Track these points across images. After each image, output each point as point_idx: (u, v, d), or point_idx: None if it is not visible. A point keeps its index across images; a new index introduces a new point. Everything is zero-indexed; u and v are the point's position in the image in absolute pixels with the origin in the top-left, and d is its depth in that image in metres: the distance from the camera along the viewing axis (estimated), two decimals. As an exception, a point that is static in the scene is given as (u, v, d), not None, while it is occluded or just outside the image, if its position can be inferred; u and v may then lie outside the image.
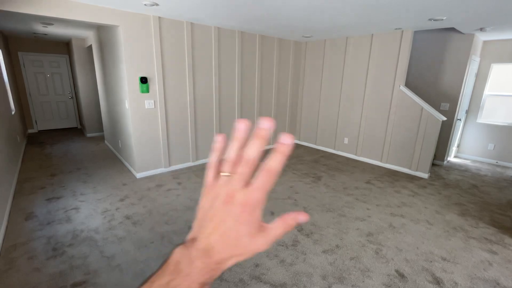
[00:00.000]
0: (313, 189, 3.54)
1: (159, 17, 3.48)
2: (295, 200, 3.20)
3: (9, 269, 1.97)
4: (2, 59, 4.66)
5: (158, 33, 3.51)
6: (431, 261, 2.18)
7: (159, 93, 3.71)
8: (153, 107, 3.71)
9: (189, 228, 2.08)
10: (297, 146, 5.71)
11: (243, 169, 0.29)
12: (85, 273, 1.95)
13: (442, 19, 3.19)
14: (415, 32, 4.50)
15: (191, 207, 2.97)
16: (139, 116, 3.62)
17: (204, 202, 0.31)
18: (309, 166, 4.43)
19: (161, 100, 3.75)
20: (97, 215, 2.75)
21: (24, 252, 2.16)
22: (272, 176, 0.28)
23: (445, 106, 4.53)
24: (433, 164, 4.69)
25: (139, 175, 3.78)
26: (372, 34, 4.32)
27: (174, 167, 4.12)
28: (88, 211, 2.81)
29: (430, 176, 4.09)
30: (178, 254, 0.28)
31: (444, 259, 2.22)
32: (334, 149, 5.25)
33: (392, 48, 4.12)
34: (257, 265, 2.08)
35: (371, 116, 4.57)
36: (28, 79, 6.19)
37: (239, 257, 0.29)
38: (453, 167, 4.61)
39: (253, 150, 0.29)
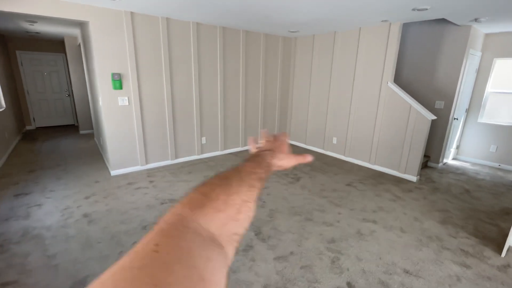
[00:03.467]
0: (288, 190, 3.37)
1: (132, 12, 3.43)
2: (264, 202, 3.05)
3: None
4: (-6, 57, 4.78)
5: (131, 29, 3.45)
6: (391, 274, 1.98)
7: (134, 90, 3.66)
8: (127, 104, 3.66)
9: (144, 228, 2.00)
10: (286, 146, 5.53)
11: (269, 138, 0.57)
12: (19, 273, 1.91)
13: (426, 9, 2.93)
14: (407, 25, 4.21)
15: (154, 206, 2.89)
16: (113, 113, 3.59)
17: (264, 143, 0.54)
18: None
19: (136, 97, 3.70)
20: (56, 212, 2.73)
21: (-31, 248, 2.15)
22: (285, 137, 0.57)
23: (440, 104, 4.22)
24: (426, 167, 4.39)
25: (113, 172, 3.76)
26: (360, 28, 4.08)
27: (151, 165, 4.07)
28: (50, 208, 2.80)
29: (419, 179, 3.81)
30: (270, 153, 0.49)
31: (406, 272, 2.01)
32: (323, 149, 5.04)
33: (380, 42, 3.87)
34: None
35: (359, 114, 4.33)
36: (26, 77, 6.37)
37: (285, 162, 0.50)
38: (448, 170, 4.28)
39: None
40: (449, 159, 4.75)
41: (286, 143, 0.54)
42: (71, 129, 6.75)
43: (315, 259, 2.12)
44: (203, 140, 4.56)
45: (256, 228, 2.52)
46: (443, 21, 3.87)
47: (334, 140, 4.79)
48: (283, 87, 5.45)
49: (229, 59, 4.50)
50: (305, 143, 5.40)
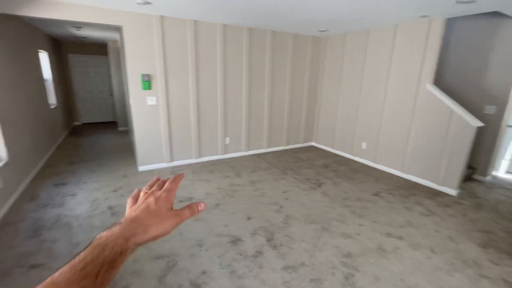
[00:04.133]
0: (307, 196, 3.23)
1: (162, 16, 3.58)
2: (281, 206, 2.96)
3: (-8, 244, 2.22)
4: (48, 60, 5.38)
5: (160, 32, 3.61)
6: (412, 299, 1.77)
7: (161, 90, 3.82)
8: (155, 103, 3.84)
9: None
10: (311, 149, 5.34)
11: (156, 186, 0.47)
12: (46, 257, 2.09)
13: (474, 1, 2.58)
14: (452, 21, 3.77)
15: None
16: (142, 112, 3.79)
17: (127, 212, 0.43)
18: (316, 171, 4.08)
19: (163, 97, 3.86)
20: (86, 203, 2.95)
21: (11, 231, 2.41)
22: (172, 185, 0.47)
23: (491, 109, 3.70)
24: (470, 179, 3.89)
25: (141, 168, 3.97)
26: (396, 25, 3.76)
27: (176, 163, 4.22)
28: (81, 199, 3.04)
29: (460, 193, 3.39)
30: (104, 232, 0.37)
31: (431, 299, 1.77)
32: (351, 154, 4.75)
33: (418, 40, 3.52)
34: (204, 272, 1.96)
35: (392, 118, 4.00)
36: (75, 77, 7.06)
37: (159, 226, 0.40)
38: (498, 185, 3.75)
39: (165, 181, 0.48)
40: (500, 173, 4.15)
41: (166, 199, 0.43)
42: (111, 125, 7.32)
43: (327, 273, 1.98)
44: (227, 140, 4.60)
45: (268, 234, 2.44)
46: (495, 14, 3.39)
47: (364, 145, 4.49)
48: (311, 88, 5.27)
49: (255, 60, 4.47)
50: (332, 147, 5.15)
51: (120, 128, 6.81)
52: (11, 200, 2.88)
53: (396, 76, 3.86)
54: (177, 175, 0.49)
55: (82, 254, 0.32)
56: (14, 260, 2.04)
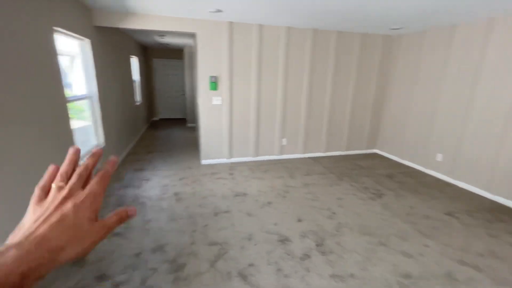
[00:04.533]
0: (364, 206, 3.03)
1: (230, 22, 3.85)
2: (334, 213, 2.85)
3: (90, 211, 2.77)
4: (138, 64, 6.36)
5: (228, 37, 3.89)
6: None
7: (226, 91, 4.11)
8: (220, 103, 4.15)
9: (216, 214, 2.28)
10: (373, 157, 4.95)
11: (76, 180, 0.33)
12: (125, 228, 2.50)
13: None
14: None
15: (227, 197, 3.17)
16: (207, 110, 4.15)
17: (29, 214, 0.30)
18: (376, 181, 3.77)
19: (227, 97, 4.14)
20: (158, 187, 3.40)
21: (103, 203, 2.96)
22: (99, 186, 0.34)
23: None
24: None
25: (203, 162, 4.35)
26: (493, 18, 3.18)
27: (234, 160, 4.47)
28: (154, 184, 3.52)
29: None
30: None
31: None
32: (423, 166, 4.22)
33: (522, 34, 2.90)
34: (251, 265, 2.05)
35: (479, 127, 3.40)
36: (156, 79, 8.15)
37: (77, 246, 0.29)
38: None
39: (85, 167, 0.34)
40: None
41: (92, 206, 0.32)
42: (181, 122, 8.20)
43: (379, 290, 1.84)
44: (284, 141, 4.64)
45: (318, 239, 2.39)
46: None
47: (439, 157, 3.94)
48: (378, 91, 4.88)
49: (318, 61, 4.39)
50: (400, 157, 4.67)
51: (189, 125, 7.56)
52: (104, 178, 3.53)
53: (489, 78, 3.26)
54: (105, 170, 0.35)
55: None
56: (103, 227, 2.51)
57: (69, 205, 0.30)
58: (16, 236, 0.28)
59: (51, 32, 2.31)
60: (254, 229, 2.53)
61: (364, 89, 4.80)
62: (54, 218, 0.29)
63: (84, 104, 3.36)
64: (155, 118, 8.46)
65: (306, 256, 2.17)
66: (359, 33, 4.43)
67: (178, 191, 3.30)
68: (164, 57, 8.02)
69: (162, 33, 4.99)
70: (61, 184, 0.32)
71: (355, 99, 4.80)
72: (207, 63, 3.95)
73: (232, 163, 4.41)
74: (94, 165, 0.35)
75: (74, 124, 2.83)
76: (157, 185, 3.48)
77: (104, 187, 0.34)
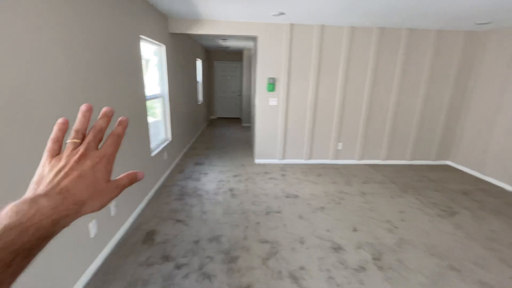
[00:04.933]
0: (432, 223, 2.70)
1: (291, 24, 3.86)
2: (395, 227, 2.62)
3: (156, 199, 3.12)
4: (201, 66, 6.88)
5: (288, 39, 3.91)
6: None
7: (283, 92, 4.14)
8: (276, 104, 4.21)
9: (268, 213, 2.37)
10: (445, 169, 4.37)
11: (92, 140, 0.34)
12: (186, 216, 2.74)
13: None
14: None
15: (279, 197, 3.20)
16: (263, 111, 4.24)
17: (45, 167, 0.32)
18: (448, 197, 3.33)
19: (284, 99, 4.17)
20: (214, 181, 3.63)
21: (167, 191, 3.30)
22: (113, 149, 0.35)
23: None
24: None
25: (256, 161, 4.46)
26: None
27: (286, 161, 4.47)
28: (211, 178, 3.76)
29: None
30: (10, 207, 0.26)
31: None
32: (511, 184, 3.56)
33: None
34: (302, 268, 2.03)
35: None
36: (216, 80, 8.68)
37: (96, 202, 0.32)
38: None
39: (99, 129, 0.35)
40: None
41: (107, 167, 0.34)
42: (236, 121, 8.55)
43: (449, 320, 1.62)
44: (339, 146, 4.45)
45: (375, 252, 2.23)
46: None
47: (535, 176, 3.27)
48: (456, 95, 4.30)
49: (383, 62, 4.09)
50: (481, 172, 4.02)
51: (243, 124, 7.84)
52: (169, 169, 3.92)
53: None
54: (118, 134, 0.36)
55: None
56: (167, 213, 2.79)
57: (88, 164, 0.32)
58: (39, 186, 0.30)
59: (138, 39, 2.68)
60: (306, 233, 2.49)
61: (437, 93, 4.28)
62: (74, 174, 0.31)
63: (155, 102, 3.79)
64: (213, 117, 9.01)
65: (361, 268, 2.04)
66: (435, 30, 3.97)
67: (232, 187, 3.46)
68: (224, 60, 8.48)
69: (225, 37, 5.29)
70: (77, 141, 0.33)
71: (425, 103, 4.31)
72: (266, 65, 4.04)
73: (284, 164, 4.42)
74: (107, 127, 0.36)
75: (148, 119, 3.22)
76: (214, 179, 3.71)
77: (116, 150, 0.36)
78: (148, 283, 1.85)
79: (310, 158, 4.49)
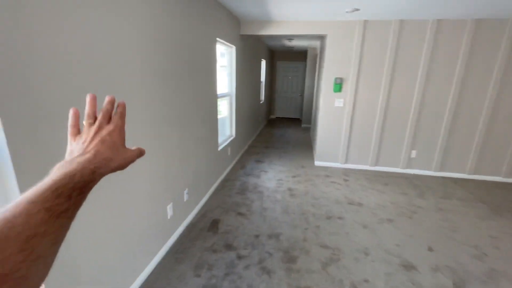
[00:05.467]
0: (538, 257, 2.19)
1: (365, 21, 3.62)
2: (484, 254, 2.22)
3: (220, 191, 3.32)
4: (265, 67, 7.03)
5: (361, 36, 3.68)
6: None
7: (350, 93, 3.92)
8: (342, 105, 4.01)
9: (329, 218, 2.30)
10: (560, 193, 3.49)
11: (102, 118, 0.42)
12: (247, 210, 2.84)
13: None
14: None
15: (341, 203, 3.05)
16: (328, 112, 4.10)
17: (72, 145, 0.40)
18: None
19: (351, 100, 3.95)
20: (274, 180, 3.67)
21: (229, 185, 3.48)
22: (122, 121, 0.43)
23: None
24: None
25: (317, 163, 4.34)
26: None
27: (349, 166, 4.23)
28: (270, 176, 3.82)
29: None
30: (56, 166, 0.33)
31: None
32: None
33: None
34: (366, 281, 1.89)
35: None
36: (278, 80, 8.76)
37: (119, 159, 0.40)
38: None
39: (106, 110, 0.43)
40: None
41: (120, 134, 0.41)
42: (296, 122, 8.48)
43: None
44: (413, 153, 3.99)
45: (457, 279, 1.93)
46: None
47: None
48: None
49: (478, 59, 3.49)
50: None
51: (303, 125, 7.73)
52: (231, 165, 4.14)
53: None
54: (121, 112, 0.44)
55: (52, 178, 0.31)
56: (230, 205, 2.95)
57: (104, 133, 0.40)
58: (72, 156, 0.37)
59: (214, 42, 2.90)
60: (371, 244, 2.32)
61: (553, 97, 3.44)
62: (96, 140, 0.38)
63: (222, 100, 4.04)
64: (272, 116, 9.13)
65: (438, 294, 1.80)
66: (556, 18, 3.19)
67: (291, 187, 3.45)
68: (287, 60, 8.49)
69: (291, 37, 5.29)
70: (91, 121, 0.41)
71: (534, 109, 3.52)
72: (333, 64, 3.89)
73: (346, 168, 4.19)
74: (112, 109, 0.43)
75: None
76: (273, 178, 3.76)
77: (124, 122, 0.43)
78: (213, 268, 1.99)
79: (376, 164, 4.15)
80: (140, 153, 0.44)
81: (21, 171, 0.97)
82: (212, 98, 3.02)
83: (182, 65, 2.20)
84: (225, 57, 3.87)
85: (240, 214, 2.77)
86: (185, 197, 2.45)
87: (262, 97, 7.09)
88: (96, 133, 0.40)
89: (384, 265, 2.06)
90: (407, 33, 3.58)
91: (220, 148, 3.46)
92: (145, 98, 1.72)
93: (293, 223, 2.63)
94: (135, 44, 1.58)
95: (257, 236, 2.38)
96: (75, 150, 0.38)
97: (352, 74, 3.85)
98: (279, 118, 9.03)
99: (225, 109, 4.09)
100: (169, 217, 2.17)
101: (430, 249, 2.27)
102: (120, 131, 0.42)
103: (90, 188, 0.34)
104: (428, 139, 3.90)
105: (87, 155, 0.36)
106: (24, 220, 0.25)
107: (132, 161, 0.42)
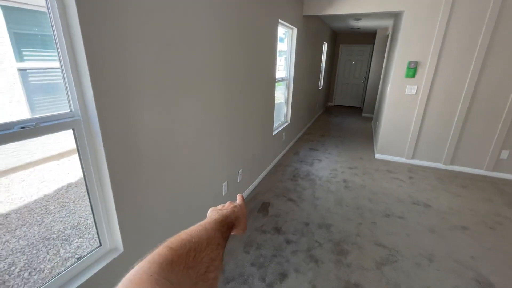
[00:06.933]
0: None
1: (456, -8, 3.04)
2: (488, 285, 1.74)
3: (272, 175, 3.35)
4: (326, 50, 6.63)
5: (448, 12, 3.11)
6: None
7: (426, 79, 3.41)
8: (414, 93, 3.53)
9: (387, 215, 2.14)
10: None
11: (234, 206, 0.55)
12: (298, 196, 2.81)
13: None
14: None
15: (403, 201, 2.76)
16: (396, 100, 3.67)
17: (214, 212, 0.51)
18: None
19: (426, 87, 3.44)
20: (327, 169, 3.52)
21: (282, 170, 3.48)
22: (243, 201, 0.59)
23: None
24: None
25: (377, 156, 3.99)
26: None
27: (416, 162, 3.76)
28: (324, 165, 3.67)
29: None
30: (210, 214, 0.49)
31: None
32: None
33: None
34: (429, 290, 1.69)
35: None
36: (339, 65, 8.19)
37: (239, 227, 0.51)
38: None
39: (239, 202, 0.58)
40: None
41: (241, 210, 0.54)
42: (356, 110, 7.88)
43: None
44: (504, 154, 3.32)
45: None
46: None
47: None
48: None
49: None
50: None
51: (364, 114, 7.14)
52: (285, 150, 4.11)
53: None
54: (241, 197, 0.60)
55: (214, 217, 0.45)
56: (281, 190, 2.96)
57: (229, 210, 0.51)
58: (216, 210, 0.50)
59: (276, 23, 2.83)
60: (437, 251, 2.05)
61: None
62: (226, 212, 0.49)
63: (279, 85, 3.97)
64: (330, 104, 8.67)
65: (525, 323, 1.50)
66: None
67: (346, 179, 3.26)
68: (351, 43, 7.83)
69: (359, 17, 4.82)
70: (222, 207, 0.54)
71: None
72: (408, 46, 3.41)
73: (412, 165, 3.75)
74: (242, 204, 0.58)
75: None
76: (327, 167, 3.60)
77: (244, 203, 0.58)
78: (261, 247, 2.05)
79: (451, 163, 3.59)
80: (245, 228, 0.56)
81: (108, 137, 1.13)
82: (270, 81, 2.99)
83: (246, 49, 2.21)
84: (284, 41, 3.76)
85: (290, 200, 2.75)
86: (239, 178, 2.54)
87: (321, 83, 6.75)
88: (233, 204, 0.55)
89: (453, 277, 1.81)
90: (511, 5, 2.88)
91: (275, 133, 3.46)
92: (217, 83, 1.80)
93: (346, 215, 2.50)
94: (203, 35, 1.63)
95: (306, 224, 2.35)
96: (215, 210, 0.52)
97: (432, 56, 3.32)
98: (338, 106, 8.52)
99: (281, 94, 4.03)
100: (223, 194, 2.29)
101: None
102: (242, 208, 0.55)
103: (233, 227, 0.48)
104: (528, 138, 3.18)
105: (229, 209, 0.50)
106: (211, 234, 0.38)
107: (246, 228, 0.55)
